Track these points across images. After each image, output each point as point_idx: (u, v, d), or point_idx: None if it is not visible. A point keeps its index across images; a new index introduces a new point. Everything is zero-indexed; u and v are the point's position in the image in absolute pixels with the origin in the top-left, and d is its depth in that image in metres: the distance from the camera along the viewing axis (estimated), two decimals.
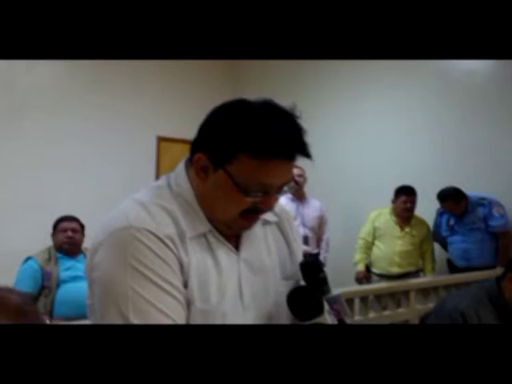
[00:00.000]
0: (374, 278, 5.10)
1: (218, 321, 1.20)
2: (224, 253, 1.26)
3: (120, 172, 6.06)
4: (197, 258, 1.20)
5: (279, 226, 1.42)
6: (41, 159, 5.60)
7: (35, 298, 3.48)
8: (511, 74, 4.98)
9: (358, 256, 5.17)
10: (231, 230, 1.28)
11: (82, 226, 3.93)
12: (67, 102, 5.80)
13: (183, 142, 6.48)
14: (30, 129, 5.54)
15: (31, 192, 5.46)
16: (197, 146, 1.24)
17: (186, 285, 1.18)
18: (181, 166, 1.31)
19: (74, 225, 3.86)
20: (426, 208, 5.09)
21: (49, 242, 3.88)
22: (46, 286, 3.55)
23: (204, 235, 1.24)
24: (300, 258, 1.42)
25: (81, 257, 3.84)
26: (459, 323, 2.08)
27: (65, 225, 3.84)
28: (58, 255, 3.74)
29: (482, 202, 4.82)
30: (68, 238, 3.78)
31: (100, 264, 1.17)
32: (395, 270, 4.98)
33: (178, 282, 1.16)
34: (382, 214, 5.16)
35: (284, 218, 1.43)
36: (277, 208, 1.39)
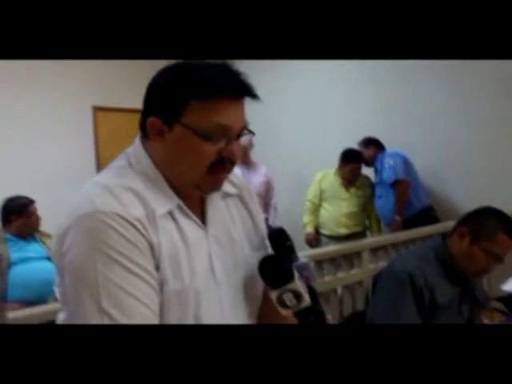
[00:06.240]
0: (323, 239, 5.19)
1: (192, 299, 1.20)
2: (192, 229, 1.25)
3: (57, 148, 5.85)
4: (166, 237, 1.19)
5: (241, 199, 1.42)
6: None
7: None
8: None
9: (306, 218, 5.23)
10: (201, 192, 1.27)
11: None
12: None
13: (122, 110, 6.27)
14: None
15: None
16: (145, 114, 1.24)
17: (157, 267, 1.17)
18: (137, 142, 1.29)
19: (36, 206, 3.78)
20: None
21: None
22: None
23: (170, 213, 1.22)
24: (264, 229, 1.44)
25: (30, 238, 3.74)
26: (406, 284, 2.17)
27: (33, 207, 3.77)
28: (7, 236, 3.63)
29: (379, 158, 5.00)
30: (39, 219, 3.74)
31: (68, 251, 1.14)
32: (343, 230, 5.08)
33: (148, 265, 1.15)
34: (327, 176, 5.20)
35: (244, 190, 1.44)
36: (236, 179, 1.42)
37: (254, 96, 1.23)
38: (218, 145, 1.20)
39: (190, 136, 1.18)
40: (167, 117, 1.20)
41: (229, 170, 1.25)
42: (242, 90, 1.21)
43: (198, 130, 1.17)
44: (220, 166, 1.22)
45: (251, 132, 1.28)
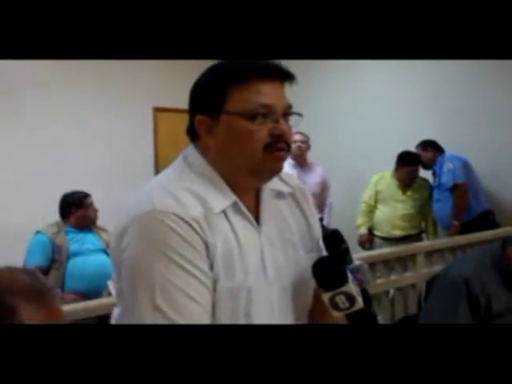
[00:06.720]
0: (377, 241, 5.15)
1: (244, 296, 1.22)
2: (245, 228, 1.26)
3: (117, 146, 5.95)
4: (221, 236, 1.20)
5: (294, 198, 1.41)
6: (37, 137, 5.48)
7: (46, 271, 3.49)
8: None
9: (360, 219, 5.19)
10: (259, 178, 1.28)
11: None
12: (60, 77, 5.64)
13: (181, 111, 6.25)
14: (27, 107, 5.43)
15: (32, 169, 5.38)
16: (191, 115, 1.28)
17: (211, 266, 1.18)
18: (190, 145, 1.32)
19: (92, 199, 3.91)
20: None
21: (50, 216, 3.88)
22: (56, 259, 3.58)
23: (224, 212, 1.23)
24: (318, 232, 1.43)
25: (87, 230, 3.85)
26: (462, 290, 2.11)
27: (91, 200, 3.87)
28: (67, 228, 3.74)
29: (438, 161, 4.88)
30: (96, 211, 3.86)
31: (126, 248, 1.17)
32: (397, 232, 5.02)
33: (204, 265, 1.17)
34: (383, 178, 5.16)
35: (298, 190, 1.43)
36: (289, 179, 1.42)
37: (287, 76, 1.26)
38: (266, 125, 1.22)
39: (237, 121, 1.22)
40: (211, 110, 1.24)
41: (285, 149, 1.26)
42: (273, 70, 1.25)
43: (242, 112, 1.21)
44: (275, 146, 1.23)
45: (298, 114, 1.30)
